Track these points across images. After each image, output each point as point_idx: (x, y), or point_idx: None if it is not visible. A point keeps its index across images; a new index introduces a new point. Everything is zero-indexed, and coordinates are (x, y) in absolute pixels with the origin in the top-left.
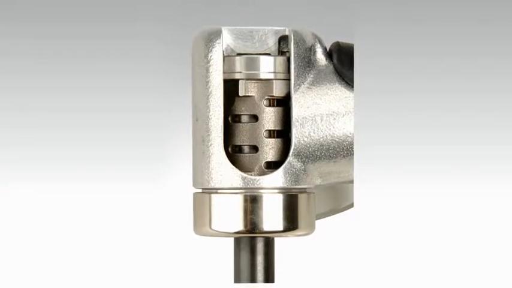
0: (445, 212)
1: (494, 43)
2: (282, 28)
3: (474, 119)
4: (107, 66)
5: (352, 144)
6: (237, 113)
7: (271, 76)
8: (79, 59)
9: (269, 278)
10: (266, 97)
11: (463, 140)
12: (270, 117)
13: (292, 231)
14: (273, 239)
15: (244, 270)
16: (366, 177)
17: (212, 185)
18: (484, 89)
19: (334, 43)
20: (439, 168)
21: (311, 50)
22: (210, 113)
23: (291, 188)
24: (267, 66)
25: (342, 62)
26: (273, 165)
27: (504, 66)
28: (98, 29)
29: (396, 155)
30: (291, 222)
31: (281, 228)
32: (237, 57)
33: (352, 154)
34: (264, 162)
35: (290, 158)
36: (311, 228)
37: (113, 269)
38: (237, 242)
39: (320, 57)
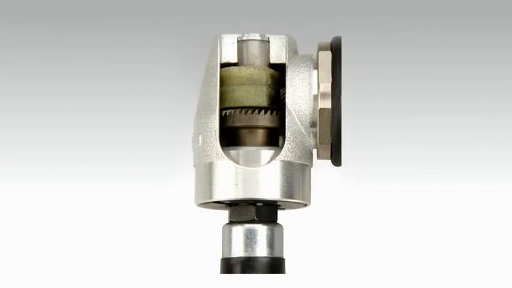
0: (431, 207)
1: (481, 48)
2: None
3: (461, 121)
4: (116, 73)
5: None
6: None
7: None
8: (93, 65)
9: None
10: None
11: (450, 140)
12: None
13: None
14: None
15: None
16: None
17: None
18: (474, 92)
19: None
20: (425, 167)
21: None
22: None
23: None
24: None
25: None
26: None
27: (487, 70)
28: (112, 38)
29: (385, 154)
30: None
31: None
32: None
33: None
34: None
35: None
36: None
37: (123, 260)
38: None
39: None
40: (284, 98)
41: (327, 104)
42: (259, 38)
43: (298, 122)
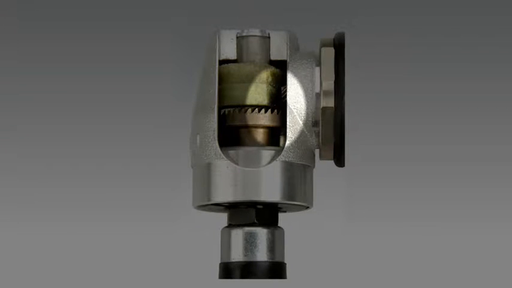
0: (437, 209)
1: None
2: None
3: (467, 122)
4: (113, 71)
5: None
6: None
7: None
8: (90, 64)
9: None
10: None
11: (456, 140)
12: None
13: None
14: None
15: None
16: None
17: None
18: (479, 94)
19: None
20: (432, 168)
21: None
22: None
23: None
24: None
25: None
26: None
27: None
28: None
29: (389, 155)
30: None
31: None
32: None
33: None
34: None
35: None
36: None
37: (120, 263)
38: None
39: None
40: (285, 96)
41: (329, 102)
42: (259, 34)
43: (300, 121)
